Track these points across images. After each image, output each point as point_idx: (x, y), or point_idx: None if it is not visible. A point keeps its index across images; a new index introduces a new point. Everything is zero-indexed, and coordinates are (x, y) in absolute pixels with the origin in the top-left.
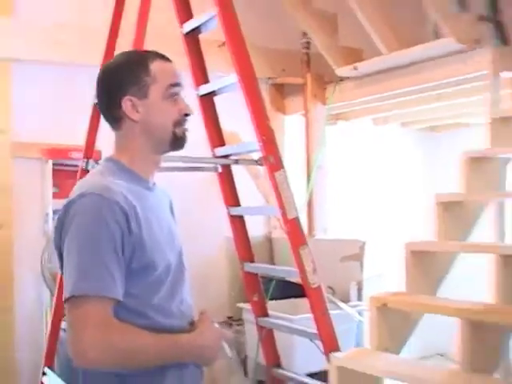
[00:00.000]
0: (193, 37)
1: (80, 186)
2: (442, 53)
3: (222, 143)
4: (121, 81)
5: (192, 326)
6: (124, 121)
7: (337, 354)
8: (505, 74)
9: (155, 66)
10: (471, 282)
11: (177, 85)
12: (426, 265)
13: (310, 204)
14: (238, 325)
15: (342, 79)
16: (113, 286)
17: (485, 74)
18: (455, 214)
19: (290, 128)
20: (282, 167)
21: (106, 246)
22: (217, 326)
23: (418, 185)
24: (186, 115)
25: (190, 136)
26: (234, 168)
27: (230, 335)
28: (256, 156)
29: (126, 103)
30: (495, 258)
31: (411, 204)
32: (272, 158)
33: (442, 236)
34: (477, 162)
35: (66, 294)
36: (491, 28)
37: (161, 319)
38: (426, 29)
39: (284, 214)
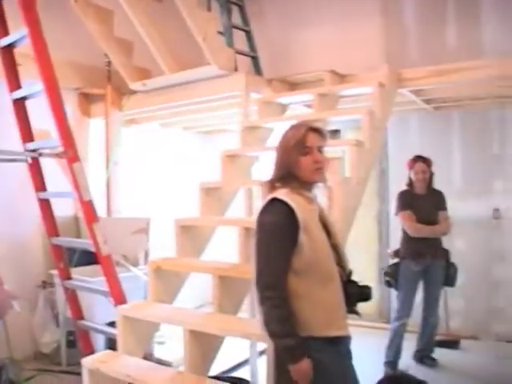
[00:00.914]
0: (8, 50)
1: None
2: (210, 75)
3: (32, 139)
4: None
5: None
6: None
7: (123, 306)
8: (254, 95)
9: None
10: (227, 247)
11: None
12: (191, 236)
13: (108, 191)
14: (51, 287)
15: (134, 92)
16: None
17: (240, 93)
18: (215, 197)
19: (94, 129)
20: (79, 160)
21: None
22: (6, 288)
23: (194, 176)
24: None
25: (4, 132)
26: (48, 160)
27: (16, 295)
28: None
29: None
30: (240, 230)
31: (188, 190)
32: (70, 152)
33: (205, 213)
34: (232, 159)
35: None
36: (250, 61)
37: None
38: (199, 55)
39: (80, 197)
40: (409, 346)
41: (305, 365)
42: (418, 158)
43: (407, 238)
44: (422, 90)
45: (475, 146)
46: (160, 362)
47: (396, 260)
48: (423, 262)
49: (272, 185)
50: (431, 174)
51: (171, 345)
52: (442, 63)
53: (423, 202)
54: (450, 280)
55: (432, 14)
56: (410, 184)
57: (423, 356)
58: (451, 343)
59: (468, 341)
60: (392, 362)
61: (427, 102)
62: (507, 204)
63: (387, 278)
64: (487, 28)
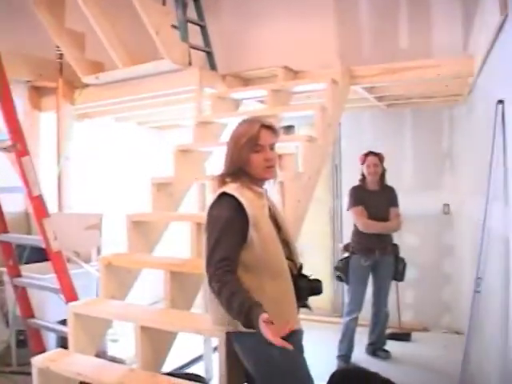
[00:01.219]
0: None
1: None
2: (164, 70)
3: None
4: None
5: None
6: None
7: (73, 303)
8: (208, 90)
9: None
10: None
11: None
12: (143, 231)
13: (59, 186)
14: (0, 285)
15: (87, 85)
16: None
17: (194, 88)
18: (167, 192)
19: (45, 123)
20: (28, 153)
21: None
22: None
23: (148, 171)
24: None
25: None
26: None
27: None
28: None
29: None
30: (192, 225)
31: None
32: (19, 146)
33: (157, 209)
34: (185, 154)
35: None
36: (204, 56)
37: None
38: (154, 49)
39: (29, 192)
40: (361, 339)
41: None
42: (370, 153)
43: (358, 233)
44: (374, 88)
45: (426, 143)
46: (113, 360)
47: (346, 254)
48: (373, 257)
49: (222, 179)
50: (383, 170)
51: (125, 342)
52: (395, 62)
53: (375, 198)
54: (398, 275)
55: (385, 12)
56: (363, 180)
57: (376, 349)
58: (403, 336)
59: (419, 333)
60: (345, 355)
61: (380, 99)
62: (456, 199)
63: (338, 273)
64: (438, 28)
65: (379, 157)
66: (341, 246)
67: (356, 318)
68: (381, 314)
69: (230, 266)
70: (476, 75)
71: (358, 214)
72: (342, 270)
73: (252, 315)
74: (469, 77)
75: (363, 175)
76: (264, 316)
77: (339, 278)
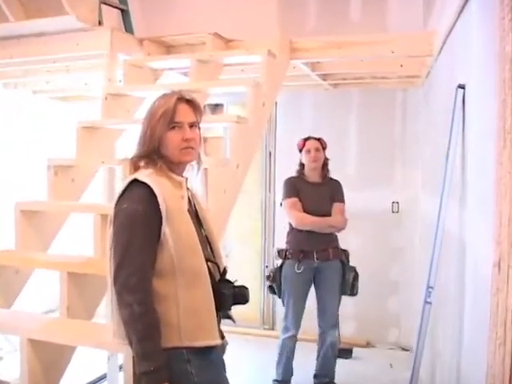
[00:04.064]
0: None
1: None
2: (67, 28)
3: None
4: None
5: None
6: None
7: None
8: (122, 56)
9: None
10: (82, 238)
11: None
12: (36, 224)
13: None
14: None
15: None
16: None
17: (104, 53)
18: (67, 177)
19: None
20: None
21: None
22: None
23: (47, 151)
24: None
25: None
26: None
27: None
28: None
29: None
30: (96, 217)
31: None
32: None
33: (54, 197)
34: (90, 132)
35: None
36: (119, 14)
37: None
38: (57, 3)
39: None
40: (305, 361)
41: None
42: (310, 138)
43: (292, 232)
44: (318, 64)
45: (375, 130)
46: None
47: (280, 261)
48: (309, 262)
49: (135, 164)
50: (326, 160)
51: (11, 360)
52: (343, 34)
53: (315, 192)
54: (348, 287)
55: None
56: (301, 170)
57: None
58: (343, 352)
59: (362, 349)
60: (281, 381)
61: (324, 77)
62: (407, 196)
63: (269, 283)
64: (393, 2)
65: (321, 142)
66: (275, 251)
67: (293, 337)
68: (326, 337)
69: (145, 274)
70: (436, 55)
71: (291, 206)
72: (274, 280)
73: (151, 374)
74: (427, 56)
75: (302, 164)
76: None
77: (271, 289)
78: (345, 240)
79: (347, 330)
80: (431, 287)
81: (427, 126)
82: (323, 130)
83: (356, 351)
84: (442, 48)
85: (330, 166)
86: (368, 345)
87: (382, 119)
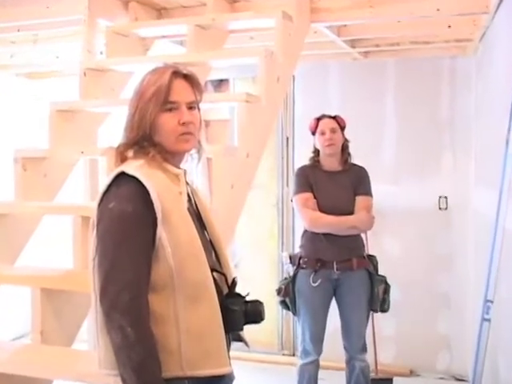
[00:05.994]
0: None
1: None
2: None
3: None
4: None
5: None
6: None
7: None
8: (103, 22)
9: None
10: (58, 246)
11: None
12: (2, 229)
13: None
14: None
15: None
16: None
17: (81, 18)
18: (39, 171)
19: None
20: None
21: None
22: None
23: (11, 139)
24: None
25: None
26: None
27: None
28: None
29: None
30: (76, 219)
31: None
32: None
33: (23, 197)
34: (67, 116)
35: None
36: None
37: None
38: None
39: None
40: None
41: None
42: (324, 116)
43: (306, 237)
44: (345, 27)
45: (416, 108)
46: None
47: (292, 270)
48: (328, 274)
49: (122, 154)
50: (345, 142)
51: None
52: None
53: (332, 183)
54: (377, 302)
55: None
56: (316, 157)
57: None
58: (381, 382)
59: (404, 379)
60: None
61: (352, 44)
62: (457, 190)
63: (281, 298)
64: None
65: (337, 120)
66: (284, 255)
67: (314, 362)
68: (355, 364)
69: (138, 289)
70: (493, 12)
71: (303, 203)
72: (287, 293)
73: None
74: (482, 14)
75: (316, 150)
76: None
77: (284, 304)
78: (378, 244)
79: (386, 355)
80: (490, 301)
81: (482, 104)
82: (351, 110)
83: (397, 381)
84: (500, 3)
85: (361, 152)
86: (412, 373)
87: (424, 95)
